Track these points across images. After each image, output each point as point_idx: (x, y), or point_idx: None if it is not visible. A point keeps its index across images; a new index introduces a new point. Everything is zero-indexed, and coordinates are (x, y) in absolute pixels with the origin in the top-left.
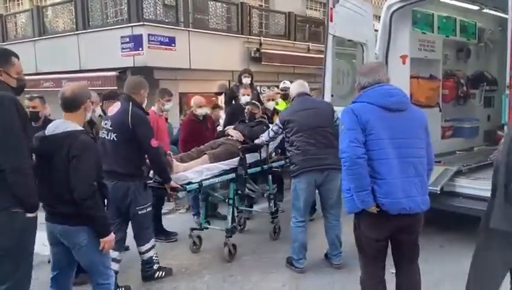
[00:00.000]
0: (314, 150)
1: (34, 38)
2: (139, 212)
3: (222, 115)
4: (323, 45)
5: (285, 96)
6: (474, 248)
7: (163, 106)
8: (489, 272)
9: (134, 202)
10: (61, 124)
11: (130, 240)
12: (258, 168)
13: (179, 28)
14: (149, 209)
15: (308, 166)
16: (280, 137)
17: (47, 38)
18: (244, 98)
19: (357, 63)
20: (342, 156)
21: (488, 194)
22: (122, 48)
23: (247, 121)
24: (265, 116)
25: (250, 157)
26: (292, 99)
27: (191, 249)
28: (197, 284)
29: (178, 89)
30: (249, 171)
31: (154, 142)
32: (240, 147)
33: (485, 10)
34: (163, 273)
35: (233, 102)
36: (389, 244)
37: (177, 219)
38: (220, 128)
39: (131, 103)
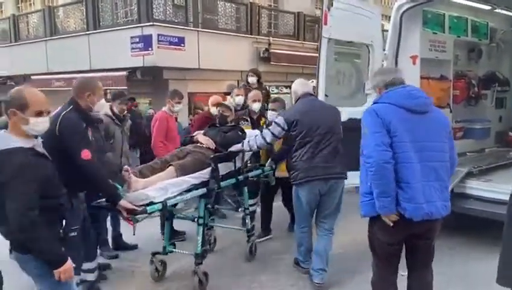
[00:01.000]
0: (322, 157)
1: (45, 38)
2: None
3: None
4: None
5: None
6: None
7: (173, 107)
8: None
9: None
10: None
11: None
12: (233, 180)
13: (189, 28)
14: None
15: (314, 175)
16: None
17: (58, 38)
18: (238, 99)
19: (362, 63)
20: (367, 161)
21: (499, 196)
22: (132, 48)
23: (217, 125)
24: (247, 120)
25: (224, 168)
26: (296, 100)
27: (152, 276)
28: None
29: (187, 89)
30: (222, 184)
31: (85, 154)
32: (212, 156)
33: (497, 10)
34: None
35: None
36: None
37: None
38: None
39: (71, 107)
